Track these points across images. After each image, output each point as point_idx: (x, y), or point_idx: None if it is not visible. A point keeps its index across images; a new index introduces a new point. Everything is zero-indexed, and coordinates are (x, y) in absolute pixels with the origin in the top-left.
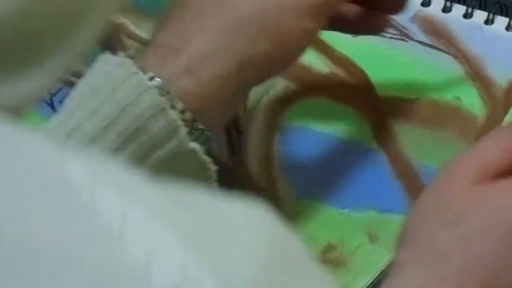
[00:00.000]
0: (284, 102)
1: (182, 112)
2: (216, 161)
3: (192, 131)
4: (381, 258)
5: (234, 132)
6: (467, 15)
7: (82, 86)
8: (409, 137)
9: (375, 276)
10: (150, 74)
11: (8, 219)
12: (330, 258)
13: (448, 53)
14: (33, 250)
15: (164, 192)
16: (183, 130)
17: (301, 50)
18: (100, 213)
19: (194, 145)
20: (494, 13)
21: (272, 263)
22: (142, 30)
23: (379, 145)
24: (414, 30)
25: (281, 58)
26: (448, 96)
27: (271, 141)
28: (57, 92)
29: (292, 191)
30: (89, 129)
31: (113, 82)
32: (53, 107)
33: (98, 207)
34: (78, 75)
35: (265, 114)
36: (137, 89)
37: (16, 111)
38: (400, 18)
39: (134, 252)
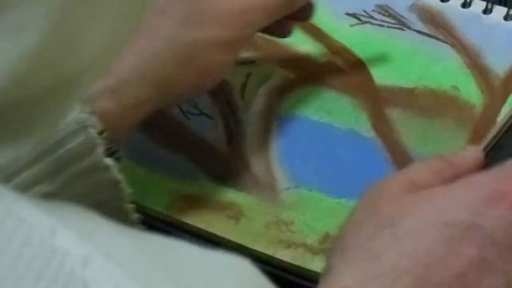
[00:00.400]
0: (281, 91)
1: (101, 132)
2: (214, 150)
3: (109, 149)
4: None
5: (232, 121)
6: (465, 5)
7: None
8: (406, 126)
9: None
10: None
11: None
12: (328, 247)
13: (446, 43)
14: None
15: (130, 241)
16: (101, 148)
17: (219, 79)
18: (62, 257)
19: (109, 162)
20: (493, 3)
21: None
22: None
23: (376, 134)
24: (412, 19)
25: (202, 86)
26: (446, 86)
27: (268, 130)
28: None
29: (290, 180)
30: None
31: None
32: None
33: (60, 251)
34: None
35: (263, 103)
36: None
37: None
38: (398, 7)
39: None
